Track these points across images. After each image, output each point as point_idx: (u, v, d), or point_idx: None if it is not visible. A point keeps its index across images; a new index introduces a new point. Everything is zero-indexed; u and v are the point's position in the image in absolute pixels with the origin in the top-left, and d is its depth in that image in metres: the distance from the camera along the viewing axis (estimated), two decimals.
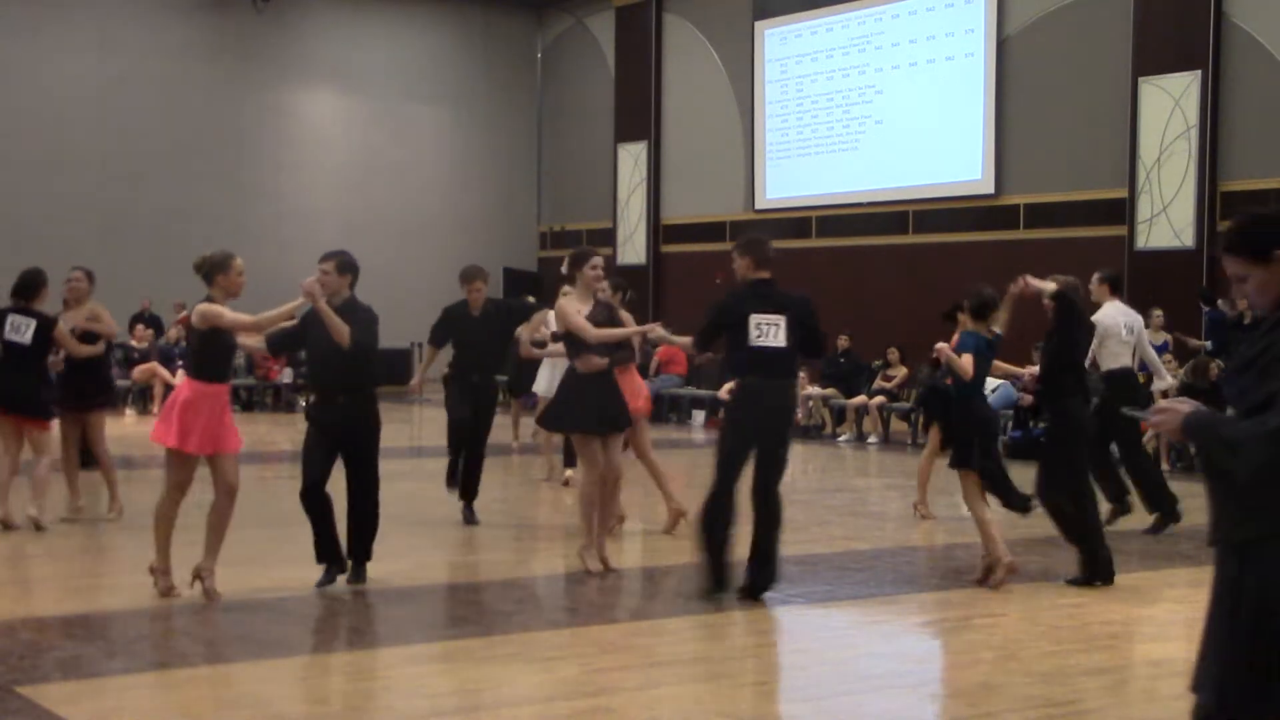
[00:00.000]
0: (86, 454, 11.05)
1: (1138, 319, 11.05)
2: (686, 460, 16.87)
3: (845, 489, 13.96)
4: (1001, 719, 5.90)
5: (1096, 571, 8.62)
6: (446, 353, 11.13)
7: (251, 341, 8.54)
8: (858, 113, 22.92)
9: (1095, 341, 10.48)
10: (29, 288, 10.31)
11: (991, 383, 15.06)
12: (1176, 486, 11.20)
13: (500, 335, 11.16)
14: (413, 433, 19.62)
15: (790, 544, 8.71)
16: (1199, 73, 18.17)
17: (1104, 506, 10.14)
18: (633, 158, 26.59)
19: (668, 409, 21.05)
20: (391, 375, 18.51)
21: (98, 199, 25.33)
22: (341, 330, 7.77)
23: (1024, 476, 9.37)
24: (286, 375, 22.49)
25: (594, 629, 7.46)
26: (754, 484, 8.09)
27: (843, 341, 19.17)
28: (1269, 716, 3.47)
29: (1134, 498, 10.87)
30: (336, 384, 8.10)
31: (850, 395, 19.08)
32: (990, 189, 20.85)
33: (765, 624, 7.92)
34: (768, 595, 8.26)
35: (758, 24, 24.37)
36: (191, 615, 7.53)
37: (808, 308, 8.18)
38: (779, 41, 24.13)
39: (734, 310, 8.10)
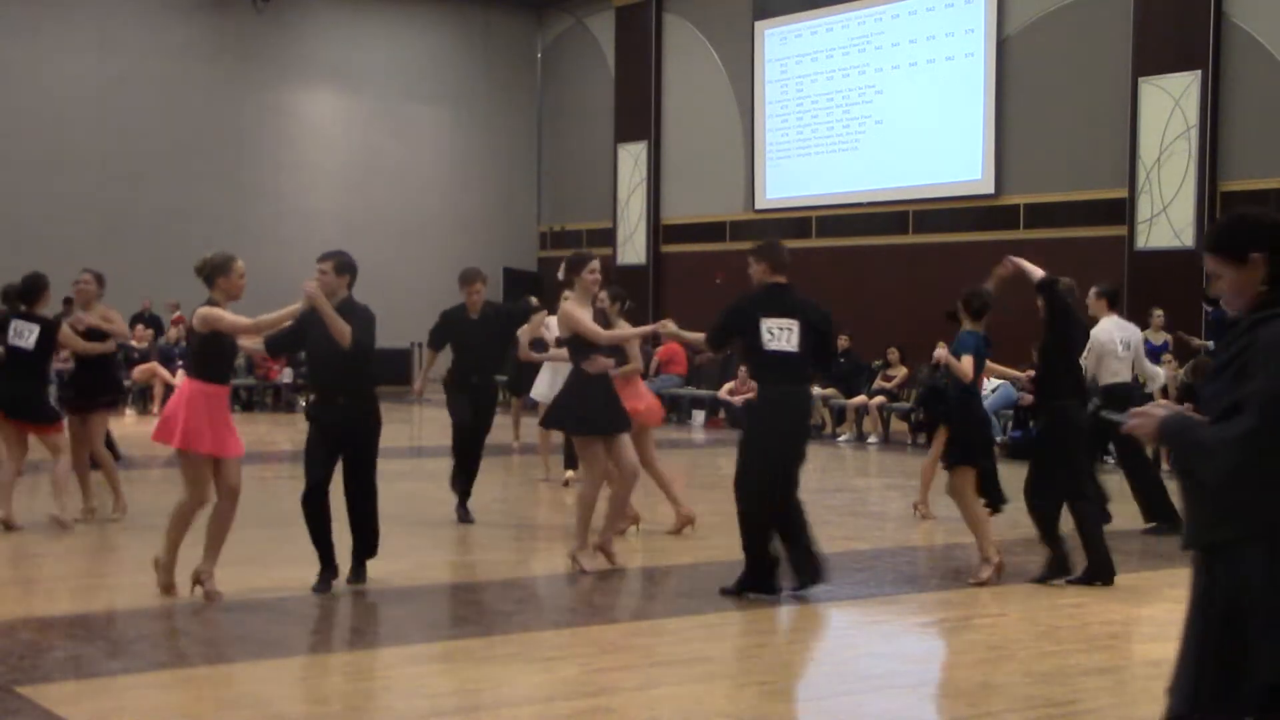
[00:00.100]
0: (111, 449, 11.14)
1: (1135, 334, 11.06)
2: (686, 460, 16.88)
3: (845, 489, 13.95)
4: (1001, 719, 5.90)
5: (1098, 573, 8.62)
6: (446, 356, 11.14)
7: (249, 343, 8.54)
8: (858, 113, 22.92)
9: (1093, 359, 10.46)
10: (31, 292, 10.32)
11: (992, 382, 15.09)
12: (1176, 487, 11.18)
13: (499, 338, 11.16)
14: (413, 433, 19.62)
15: None
16: (1199, 73, 18.17)
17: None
18: (633, 158, 26.59)
19: (668, 409, 21.05)
20: (391, 375, 18.56)
21: (98, 199, 25.33)
22: (343, 330, 7.77)
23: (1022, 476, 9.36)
24: (286, 375, 22.49)
25: (594, 629, 7.46)
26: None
27: (843, 341, 19.14)
28: (1239, 717, 3.51)
29: (1113, 507, 10.85)
30: (336, 384, 8.10)
31: (850, 395, 19.08)
32: (990, 189, 20.85)
33: (765, 624, 7.92)
34: (767, 595, 8.27)
35: (758, 24, 24.37)
36: (191, 615, 7.53)
37: (821, 313, 8.21)
38: (779, 41, 24.13)
39: (745, 313, 8.13)
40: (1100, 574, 8.61)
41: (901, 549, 10.17)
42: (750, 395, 20.11)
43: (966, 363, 8.62)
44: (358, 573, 8.28)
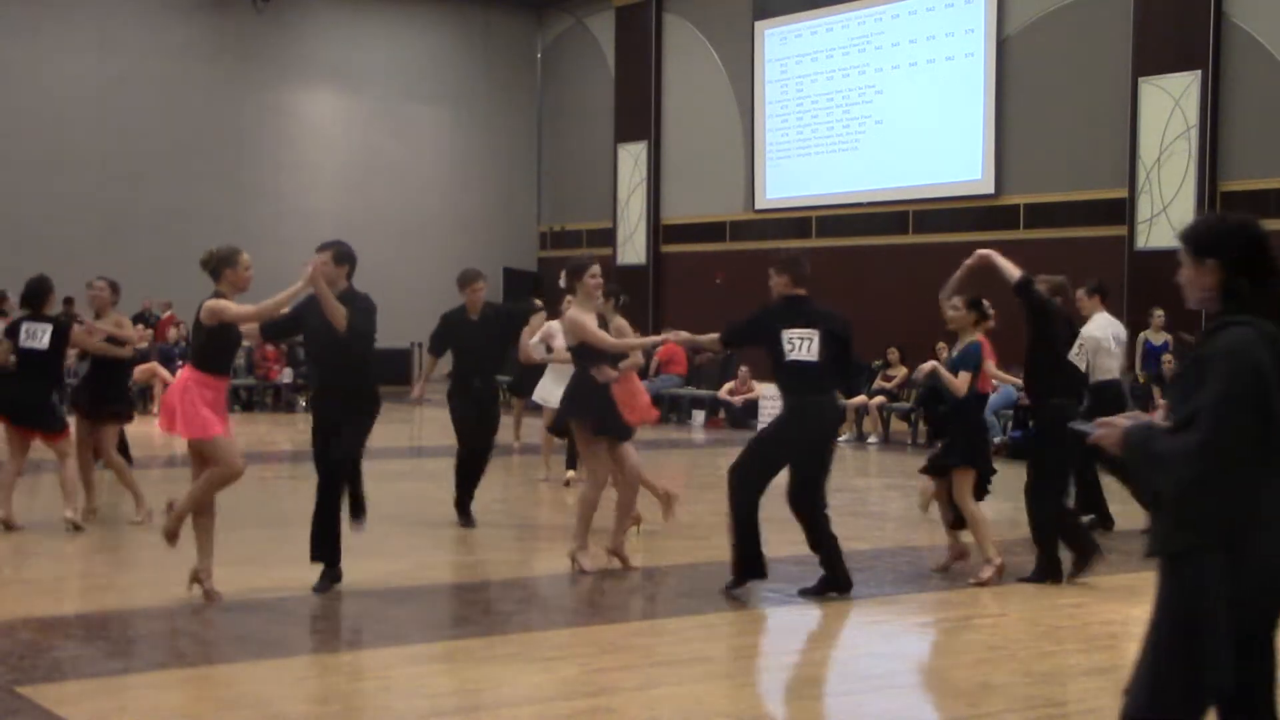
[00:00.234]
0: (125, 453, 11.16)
1: (1122, 329, 11.07)
2: (686, 460, 16.88)
3: (845, 489, 13.95)
4: (1001, 719, 5.90)
5: (1048, 571, 8.64)
6: (446, 361, 11.14)
7: (247, 327, 8.59)
8: (858, 113, 22.91)
9: (1089, 355, 10.45)
10: (37, 295, 10.37)
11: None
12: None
13: (500, 339, 11.13)
14: (413, 433, 19.63)
15: (790, 544, 8.72)
16: (1199, 73, 18.16)
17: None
18: (633, 158, 26.59)
19: (668, 409, 21.06)
20: (391, 375, 18.53)
21: (98, 199, 25.33)
22: (339, 313, 7.78)
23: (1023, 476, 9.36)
24: (286, 375, 22.50)
25: (594, 629, 7.46)
26: (791, 494, 8.22)
27: None
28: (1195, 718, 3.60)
29: (1113, 508, 10.85)
30: (335, 372, 8.13)
31: (850, 395, 19.08)
32: (990, 189, 20.85)
33: (765, 624, 7.93)
34: (767, 595, 8.27)
35: (758, 24, 24.36)
36: (191, 615, 7.53)
37: (842, 322, 8.26)
38: (779, 41, 24.13)
39: (766, 325, 8.19)
40: (1051, 574, 8.64)
41: (901, 549, 10.17)
42: (750, 395, 20.25)
43: (963, 379, 8.68)
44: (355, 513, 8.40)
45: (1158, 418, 3.95)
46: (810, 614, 8.00)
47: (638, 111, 26.42)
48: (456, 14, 28.94)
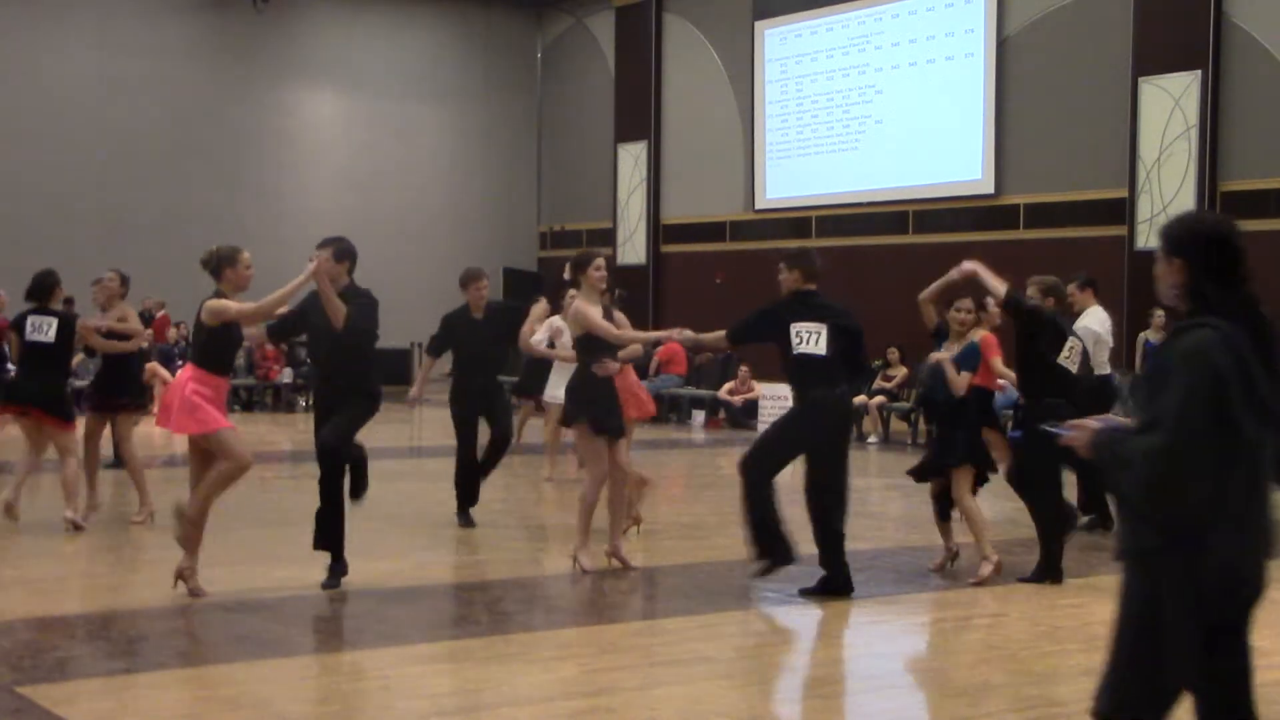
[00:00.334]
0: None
1: (1110, 323, 11.11)
2: (686, 460, 16.89)
3: None
4: (1001, 719, 5.90)
5: (1048, 571, 8.66)
6: (445, 360, 11.13)
7: (252, 330, 8.60)
8: (858, 113, 22.91)
9: (1089, 348, 10.44)
10: (43, 289, 10.41)
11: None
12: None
13: (504, 337, 11.13)
14: (413, 433, 19.63)
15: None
16: (1199, 73, 18.17)
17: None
18: (633, 158, 26.59)
19: (668, 409, 21.06)
20: (391, 375, 18.52)
21: (98, 199, 25.33)
22: (339, 309, 7.80)
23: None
24: (286, 375, 22.50)
25: (594, 629, 7.47)
26: (805, 489, 8.28)
27: None
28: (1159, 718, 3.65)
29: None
30: (338, 370, 8.14)
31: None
32: (990, 189, 20.85)
33: (765, 624, 7.93)
34: (767, 595, 8.27)
35: (758, 24, 24.36)
36: (191, 615, 7.53)
37: (850, 316, 8.28)
38: (779, 41, 24.13)
39: (775, 319, 8.20)
40: (1050, 573, 8.66)
41: (901, 549, 10.17)
42: (750, 395, 20.25)
43: (965, 379, 8.72)
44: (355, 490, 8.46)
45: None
46: (810, 614, 8.00)
47: (638, 111, 26.42)
48: (456, 14, 28.94)
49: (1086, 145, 19.64)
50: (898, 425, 19.23)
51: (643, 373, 20.04)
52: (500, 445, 10.92)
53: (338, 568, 8.17)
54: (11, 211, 24.34)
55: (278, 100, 27.33)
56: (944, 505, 9.03)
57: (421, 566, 9.11)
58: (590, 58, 28.01)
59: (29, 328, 10.25)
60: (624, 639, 7.26)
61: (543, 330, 11.93)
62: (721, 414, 20.84)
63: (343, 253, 8.07)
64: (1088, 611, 7.93)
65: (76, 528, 10.05)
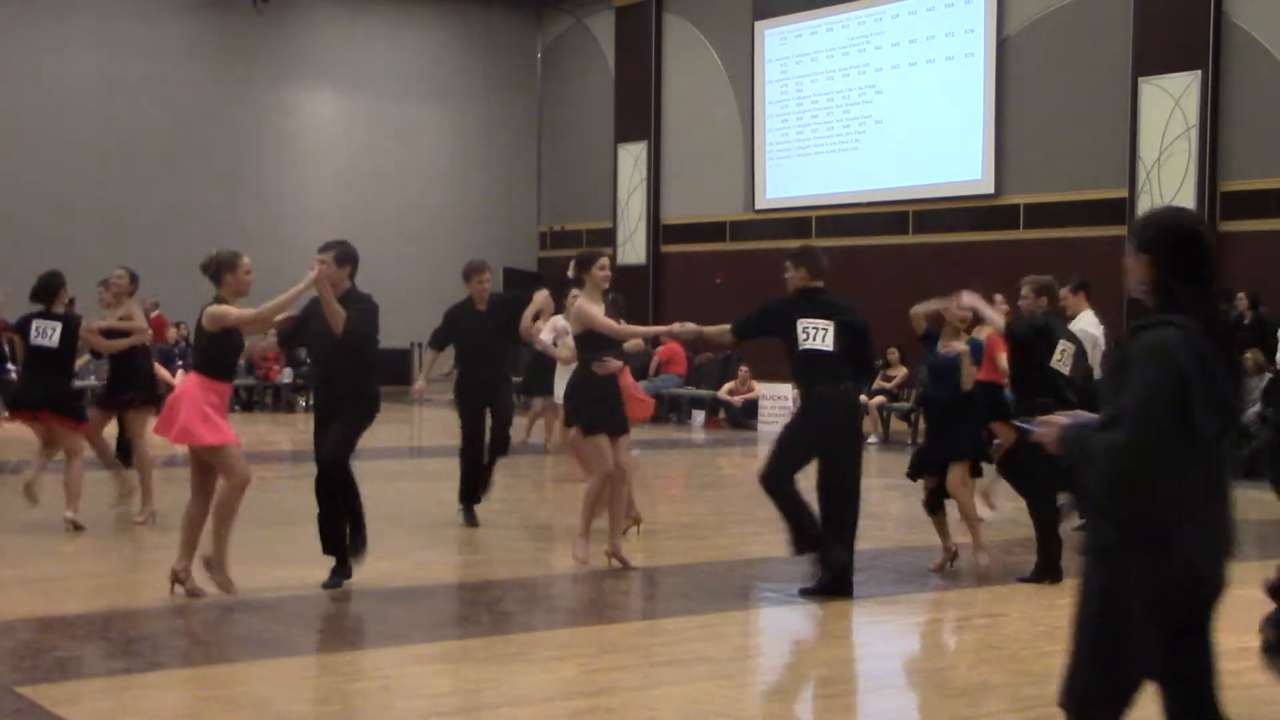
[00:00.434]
0: (127, 454, 11.19)
1: (1103, 326, 11.17)
2: (686, 460, 16.88)
3: None
4: (1001, 719, 5.90)
5: (1048, 571, 8.70)
6: (447, 356, 11.12)
7: (263, 343, 8.62)
8: (858, 113, 22.92)
9: (1087, 350, 10.45)
10: (47, 291, 10.40)
11: None
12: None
13: (506, 329, 11.11)
14: (413, 433, 19.63)
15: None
16: (1199, 73, 18.17)
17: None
18: (633, 158, 26.59)
19: (668, 409, 21.06)
20: (391, 375, 18.54)
21: (98, 199, 25.32)
22: (338, 315, 7.79)
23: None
24: (286, 375, 22.50)
25: (594, 629, 7.47)
26: (817, 486, 8.37)
27: None
28: (1119, 714, 3.68)
29: None
30: (337, 374, 8.13)
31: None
32: (990, 189, 20.85)
33: (765, 624, 7.93)
34: (767, 595, 8.27)
35: (758, 24, 24.37)
36: (192, 615, 7.53)
37: (857, 313, 8.28)
38: (779, 41, 24.13)
39: (781, 315, 8.21)
40: (1050, 573, 8.69)
41: (901, 549, 10.18)
42: (750, 395, 20.26)
43: (973, 373, 8.79)
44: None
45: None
46: (810, 614, 8.00)
47: (638, 111, 26.42)
48: (456, 14, 28.94)
49: (1086, 145, 19.64)
50: (898, 425, 19.23)
51: (643, 373, 20.07)
52: (501, 433, 10.89)
53: (342, 570, 8.17)
54: (11, 211, 24.34)
55: (278, 100, 27.33)
56: (935, 500, 9.11)
57: (422, 566, 9.11)
58: (590, 58, 28.02)
59: (34, 332, 10.26)
60: (624, 639, 7.26)
61: (548, 331, 11.93)
62: (721, 414, 20.84)
63: (345, 257, 8.07)
64: None
65: (77, 528, 10.07)
